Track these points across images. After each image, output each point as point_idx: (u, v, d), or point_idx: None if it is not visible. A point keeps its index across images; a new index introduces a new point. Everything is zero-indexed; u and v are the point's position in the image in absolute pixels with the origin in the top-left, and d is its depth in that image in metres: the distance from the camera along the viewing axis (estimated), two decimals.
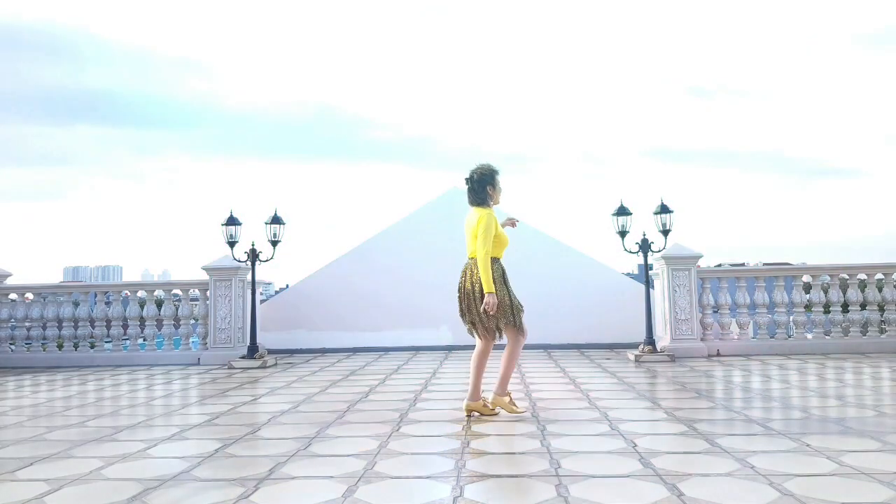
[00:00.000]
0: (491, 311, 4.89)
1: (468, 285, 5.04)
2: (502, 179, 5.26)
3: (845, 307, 9.54)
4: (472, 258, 5.07)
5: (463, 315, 5.13)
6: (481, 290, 4.91)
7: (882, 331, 9.51)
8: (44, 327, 10.06)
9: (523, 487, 3.38)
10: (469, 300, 5.03)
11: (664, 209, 8.76)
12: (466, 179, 5.21)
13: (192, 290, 10.07)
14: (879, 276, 9.62)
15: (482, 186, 5.14)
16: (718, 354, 9.08)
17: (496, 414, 5.07)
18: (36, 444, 4.53)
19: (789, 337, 9.53)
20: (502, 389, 5.09)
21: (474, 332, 5.15)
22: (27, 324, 10.18)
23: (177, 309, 10.03)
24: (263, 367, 8.82)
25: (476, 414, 5.08)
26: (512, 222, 5.42)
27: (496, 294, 4.90)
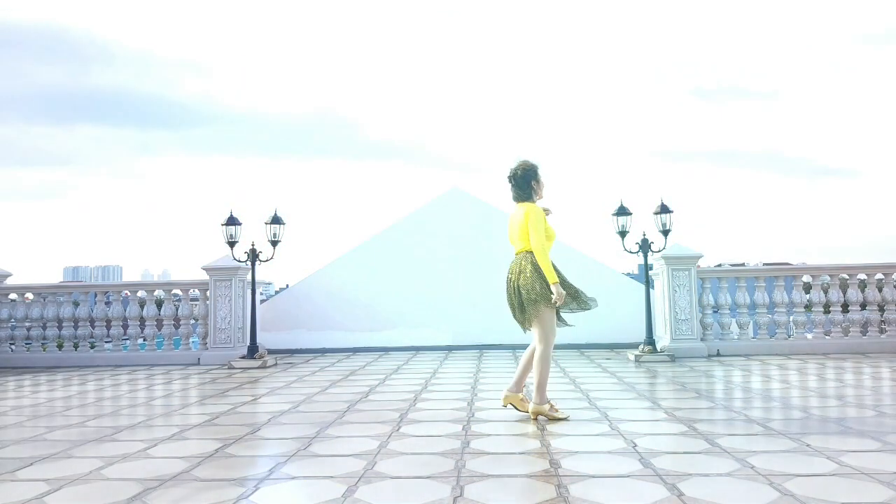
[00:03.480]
0: (560, 301, 4.83)
1: (514, 280, 5.02)
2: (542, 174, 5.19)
3: (845, 307, 9.53)
4: (519, 254, 5.05)
5: (513, 309, 5.09)
6: (527, 284, 4.89)
7: (882, 331, 9.51)
8: (44, 327, 10.05)
9: (523, 487, 3.39)
10: (516, 294, 4.99)
11: (664, 209, 8.76)
12: (509, 177, 5.13)
13: (192, 290, 10.07)
14: (879, 276, 9.62)
15: (527, 182, 5.08)
16: (718, 354, 9.08)
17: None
18: (36, 444, 4.53)
19: (789, 337, 9.53)
20: (541, 398, 4.94)
21: (527, 328, 5.08)
22: (27, 324, 10.17)
23: (177, 309, 10.03)
24: (263, 367, 8.82)
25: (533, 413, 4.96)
26: (547, 211, 5.25)
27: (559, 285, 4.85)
